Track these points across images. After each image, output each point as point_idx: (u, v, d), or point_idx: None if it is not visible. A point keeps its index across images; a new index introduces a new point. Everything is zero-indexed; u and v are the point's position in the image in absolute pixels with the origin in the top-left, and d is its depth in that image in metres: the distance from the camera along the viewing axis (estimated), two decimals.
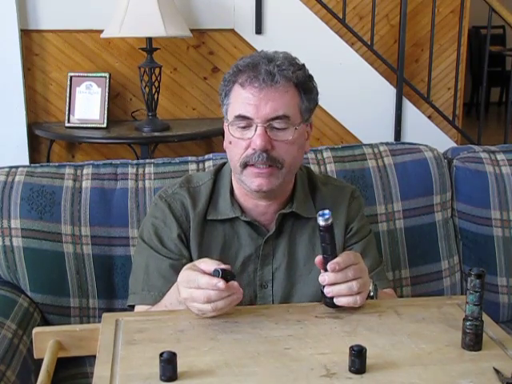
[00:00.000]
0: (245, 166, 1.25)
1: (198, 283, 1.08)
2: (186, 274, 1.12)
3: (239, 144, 1.26)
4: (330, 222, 1.12)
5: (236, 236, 1.34)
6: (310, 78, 1.30)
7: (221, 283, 1.05)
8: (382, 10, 3.83)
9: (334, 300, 1.14)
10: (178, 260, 1.31)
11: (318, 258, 1.16)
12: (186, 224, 1.34)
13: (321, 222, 1.12)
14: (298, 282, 1.35)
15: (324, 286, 1.15)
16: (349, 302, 1.14)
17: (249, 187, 1.27)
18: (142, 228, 1.40)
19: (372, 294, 1.23)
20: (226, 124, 1.29)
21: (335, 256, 1.14)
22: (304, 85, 1.28)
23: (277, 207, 1.34)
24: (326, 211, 1.12)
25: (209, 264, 1.09)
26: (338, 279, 1.13)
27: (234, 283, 1.08)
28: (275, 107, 1.23)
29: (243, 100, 1.24)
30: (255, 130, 1.23)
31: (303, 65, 1.30)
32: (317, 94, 1.31)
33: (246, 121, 1.24)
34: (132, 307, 1.35)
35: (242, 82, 1.24)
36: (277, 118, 1.23)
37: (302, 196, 1.37)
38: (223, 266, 1.08)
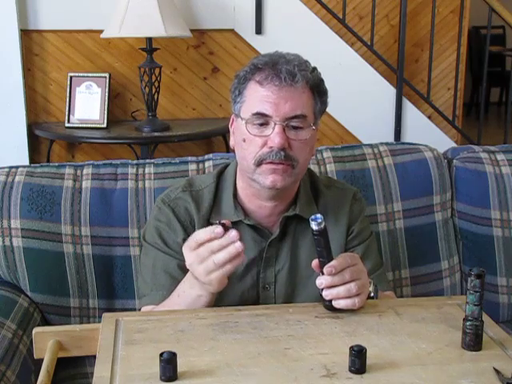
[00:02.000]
0: (260, 163, 1.24)
1: (198, 237, 1.10)
2: (188, 241, 1.14)
3: (255, 141, 1.25)
4: (322, 225, 1.11)
5: (240, 239, 1.34)
6: (323, 81, 1.30)
7: (218, 228, 1.08)
8: (382, 10, 3.83)
9: (333, 303, 1.14)
10: (184, 261, 1.30)
11: (315, 262, 1.16)
12: (190, 228, 1.33)
13: (314, 226, 1.11)
14: (300, 284, 1.34)
15: (322, 290, 1.15)
16: (347, 304, 1.14)
17: (262, 184, 1.26)
18: (144, 231, 1.40)
19: (373, 294, 1.23)
20: (241, 122, 1.27)
21: (331, 259, 1.14)
22: (319, 87, 1.28)
23: (280, 209, 1.33)
24: (318, 215, 1.12)
25: (206, 229, 1.12)
26: (335, 282, 1.13)
27: (232, 231, 1.08)
28: (294, 106, 1.23)
29: (261, 98, 1.24)
30: (273, 129, 1.23)
31: (315, 67, 1.30)
32: (327, 97, 1.32)
33: (263, 118, 1.23)
34: None
35: (261, 80, 1.24)
36: (295, 117, 1.23)
37: (305, 198, 1.37)
38: (222, 221, 1.10)
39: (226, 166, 1.41)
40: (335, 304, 1.14)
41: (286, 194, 1.32)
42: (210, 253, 1.09)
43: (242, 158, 1.29)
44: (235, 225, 1.33)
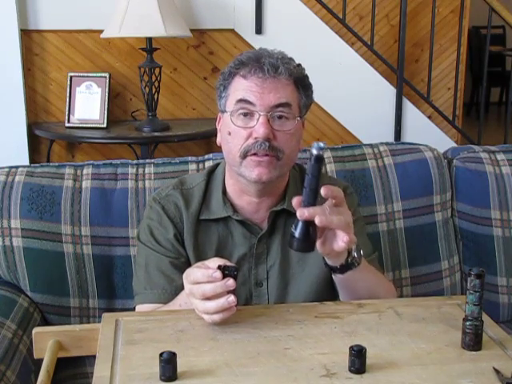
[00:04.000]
0: (245, 156, 1.25)
1: (194, 277, 1.08)
2: (189, 269, 1.13)
3: (240, 133, 1.25)
4: (322, 152, 1.05)
5: (230, 235, 1.35)
6: (307, 76, 1.32)
7: (216, 273, 1.05)
8: (382, 10, 3.83)
9: (315, 219, 1.07)
10: (177, 259, 1.32)
11: (296, 199, 1.08)
12: (180, 225, 1.34)
13: (314, 150, 1.05)
14: (293, 280, 1.34)
15: (295, 227, 1.07)
16: (348, 236, 1.07)
17: (248, 177, 1.26)
18: (138, 230, 1.41)
19: (355, 254, 1.17)
20: (226, 115, 1.28)
21: (317, 192, 1.06)
22: (302, 81, 1.30)
23: (269, 205, 1.34)
24: (321, 143, 1.05)
25: (216, 262, 1.09)
26: (317, 211, 1.05)
27: (230, 280, 1.05)
28: (278, 96, 1.24)
29: (245, 88, 1.25)
30: (257, 120, 1.23)
31: (300, 64, 1.32)
32: (312, 92, 1.33)
33: (248, 106, 1.24)
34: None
35: (245, 74, 1.25)
36: (280, 105, 1.24)
37: (295, 193, 1.35)
38: (228, 264, 1.07)
39: (217, 164, 1.42)
40: (322, 244, 1.09)
41: (273, 188, 1.32)
42: (202, 295, 1.06)
43: (228, 152, 1.30)
44: (224, 221, 1.34)
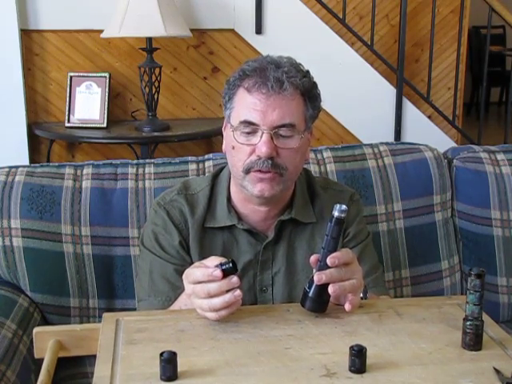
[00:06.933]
0: (248, 171, 1.24)
1: (195, 276, 1.08)
2: (189, 269, 1.12)
3: (243, 149, 1.24)
4: (343, 215, 1.10)
5: (235, 243, 1.34)
6: (315, 85, 1.29)
7: (216, 271, 1.05)
8: (382, 10, 3.83)
9: (334, 299, 1.13)
10: (181, 266, 1.29)
11: (313, 257, 1.13)
12: (185, 231, 1.33)
13: (336, 212, 1.10)
14: (297, 287, 1.33)
15: (309, 286, 1.12)
16: (355, 301, 1.12)
17: (251, 192, 1.26)
18: (142, 235, 1.39)
19: (362, 296, 1.22)
20: (229, 129, 1.27)
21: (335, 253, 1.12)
22: (310, 93, 1.27)
23: (276, 213, 1.33)
24: (344, 206, 1.11)
25: (214, 260, 1.09)
26: (333, 277, 1.10)
27: (233, 277, 1.06)
28: (282, 115, 1.21)
29: (249, 105, 1.22)
30: (261, 137, 1.21)
31: (308, 71, 1.28)
32: (320, 101, 1.30)
33: (251, 127, 1.22)
34: None
35: (249, 87, 1.23)
36: (283, 125, 1.22)
37: (302, 202, 1.36)
38: (225, 261, 1.07)
39: (222, 168, 1.41)
40: (334, 299, 1.13)
41: (279, 199, 1.31)
42: (207, 294, 1.07)
43: (231, 165, 1.29)
44: (229, 228, 1.33)
